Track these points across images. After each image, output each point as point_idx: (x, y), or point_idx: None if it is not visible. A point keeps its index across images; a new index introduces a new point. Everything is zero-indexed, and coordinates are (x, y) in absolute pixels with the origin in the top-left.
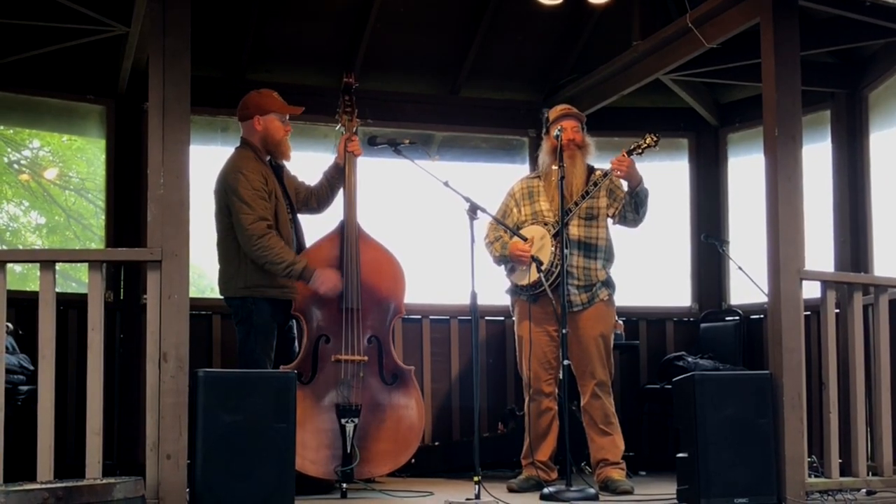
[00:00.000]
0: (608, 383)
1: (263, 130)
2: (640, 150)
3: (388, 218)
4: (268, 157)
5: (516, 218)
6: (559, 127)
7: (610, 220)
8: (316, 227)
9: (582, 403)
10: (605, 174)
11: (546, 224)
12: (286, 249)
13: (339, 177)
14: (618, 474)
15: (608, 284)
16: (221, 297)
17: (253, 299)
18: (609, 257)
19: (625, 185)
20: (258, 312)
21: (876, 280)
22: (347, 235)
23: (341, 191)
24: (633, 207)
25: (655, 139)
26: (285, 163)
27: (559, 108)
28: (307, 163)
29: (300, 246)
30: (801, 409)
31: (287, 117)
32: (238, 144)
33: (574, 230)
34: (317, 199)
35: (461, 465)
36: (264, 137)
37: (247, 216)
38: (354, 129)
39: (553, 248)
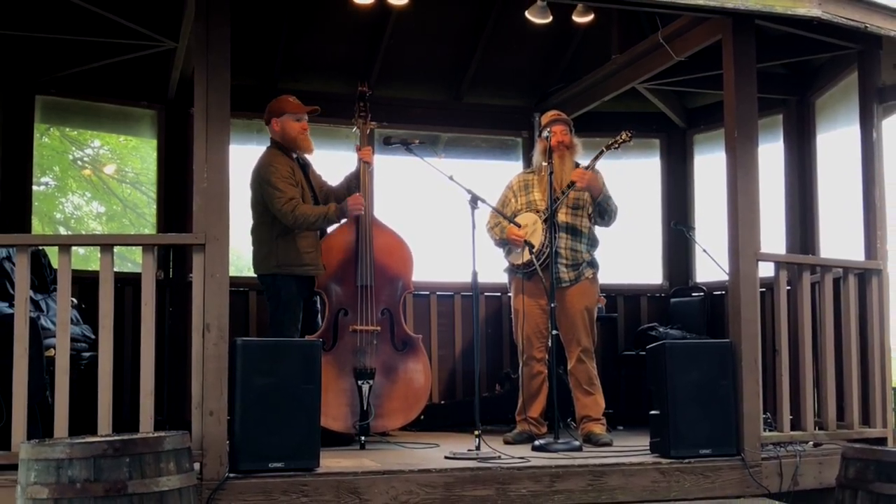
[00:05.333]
0: (591, 350)
1: (281, 130)
2: (617, 145)
3: (400, 207)
4: (294, 155)
5: (513, 206)
6: (549, 130)
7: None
8: None
9: (568, 367)
10: (572, 183)
11: (538, 212)
12: (315, 208)
13: (357, 183)
14: (599, 429)
15: (592, 265)
16: (255, 275)
17: (282, 276)
18: (592, 242)
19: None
20: (286, 288)
21: (822, 261)
22: (362, 222)
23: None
24: (597, 214)
25: (630, 135)
26: (309, 158)
27: (550, 114)
28: (331, 161)
29: (323, 232)
30: (757, 373)
31: (304, 116)
32: (268, 145)
33: (562, 216)
34: (336, 199)
35: (463, 420)
36: (283, 135)
37: (279, 198)
38: (368, 132)
39: (544, 233)
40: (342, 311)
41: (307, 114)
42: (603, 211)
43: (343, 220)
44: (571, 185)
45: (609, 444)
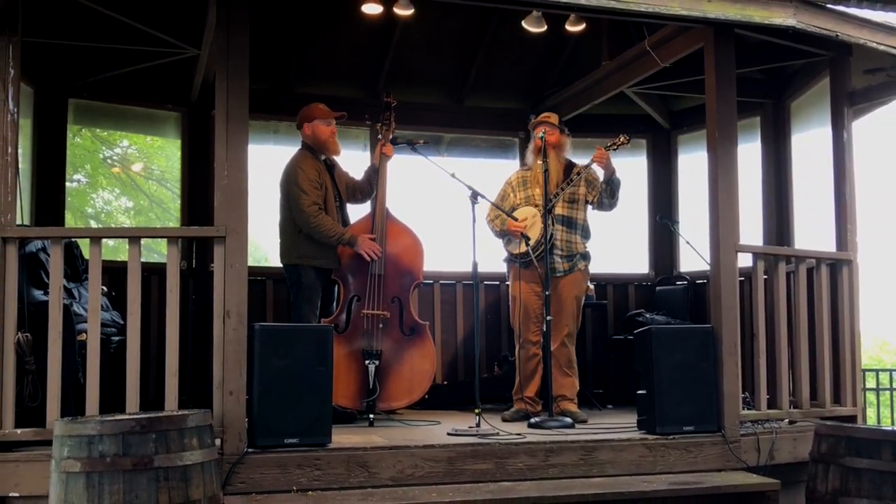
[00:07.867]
0: (574, 335)
1: (312, 134)
2: (615, 147)
3: (406, 202)
4: (322, 157)
5: (512, 200)
6: (542, 130)
7: (589, 206)
8: (356, 211)
9: (552, 348)
10: (587, 166)
11: (537, 205)
12: (335, 224)
13: (375, 176)
14: (574, 407)
15: (585, 257)
16: (281, 264)
17: (303, 266)
18: (586, 234)
19: (601, 175)
20: (306, 277)
21: (796, 252)
22: (377, 218)
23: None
24: (608, 194)
25: (628, 138)
26: (336, 159)
27: (541, 116)
28: (341, 159)
29: (345, 226)
30: (736, 355)
31: (332, 121)
32: (299, 147)
33: (559, 210)
34: (361, 193)
35: (464, 399)
36: (314, 139)
37: (304, 201)
38: (391, 135)
39: (542, 225)
40: (355, 298)
41: (335, 118)
42: (615, 189)
43: (350, 247)
44: (568, 184)
45: (585, 421)
